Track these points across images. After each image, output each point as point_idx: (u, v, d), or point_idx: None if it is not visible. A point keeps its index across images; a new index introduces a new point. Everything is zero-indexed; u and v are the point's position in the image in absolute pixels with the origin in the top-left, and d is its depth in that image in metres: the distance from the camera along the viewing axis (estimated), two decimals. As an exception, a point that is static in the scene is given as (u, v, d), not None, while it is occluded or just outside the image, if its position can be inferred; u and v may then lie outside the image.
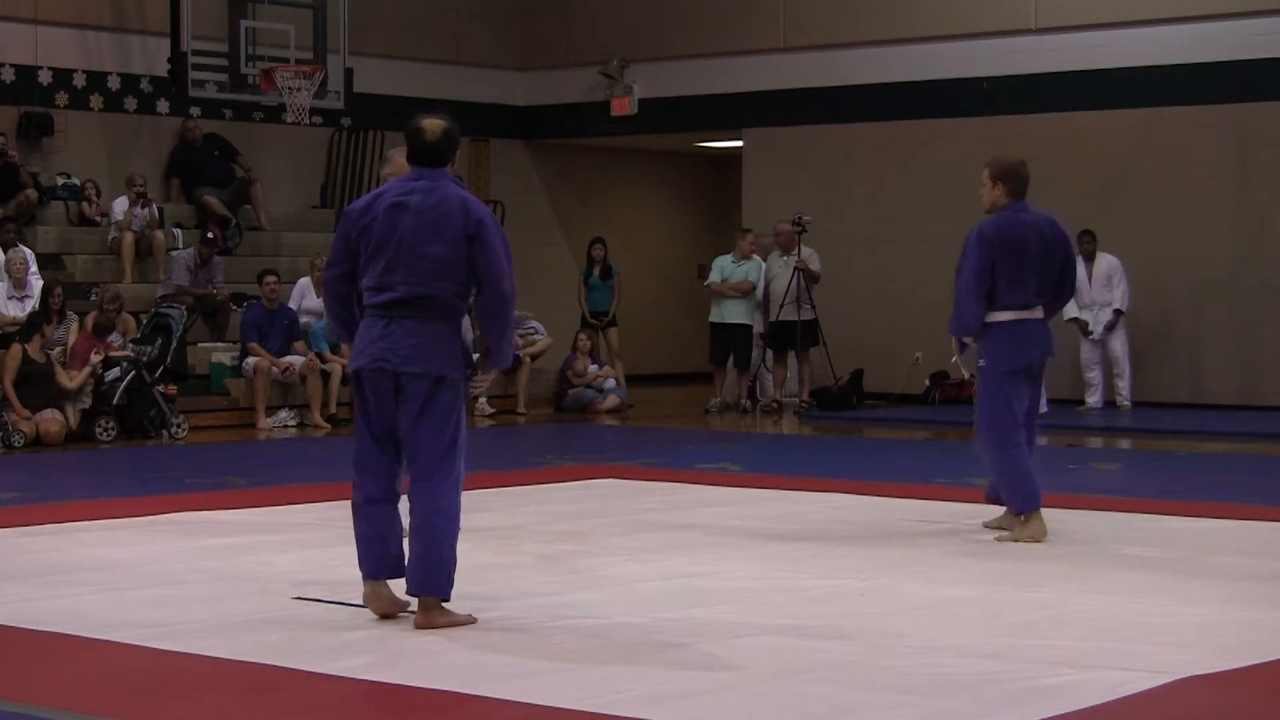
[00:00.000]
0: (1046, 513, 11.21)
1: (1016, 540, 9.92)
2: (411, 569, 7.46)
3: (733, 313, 20.47)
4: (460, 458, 7.51)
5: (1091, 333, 19.51)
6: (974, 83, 21.11)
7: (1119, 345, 19.58)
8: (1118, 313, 19.45)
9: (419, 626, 7.39)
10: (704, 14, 23.02)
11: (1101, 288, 19.47)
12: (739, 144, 23.27)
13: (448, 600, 7.46)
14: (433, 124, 7.58)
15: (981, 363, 10.20)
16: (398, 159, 8.62)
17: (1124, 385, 19.60)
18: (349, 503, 11.62)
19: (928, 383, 20.89)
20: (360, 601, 7.81)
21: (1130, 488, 13.31)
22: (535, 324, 20.89)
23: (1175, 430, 17.74)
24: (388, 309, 7.44)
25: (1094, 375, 19.62)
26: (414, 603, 7.50)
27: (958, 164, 21.11)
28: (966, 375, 10.22)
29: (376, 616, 7.58)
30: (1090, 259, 19.43)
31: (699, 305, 22.63)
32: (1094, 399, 19.58)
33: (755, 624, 7.50)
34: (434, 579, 7.41)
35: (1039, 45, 20.67)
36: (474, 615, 7.55)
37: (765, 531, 10.30)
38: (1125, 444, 17.08)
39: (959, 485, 12.85)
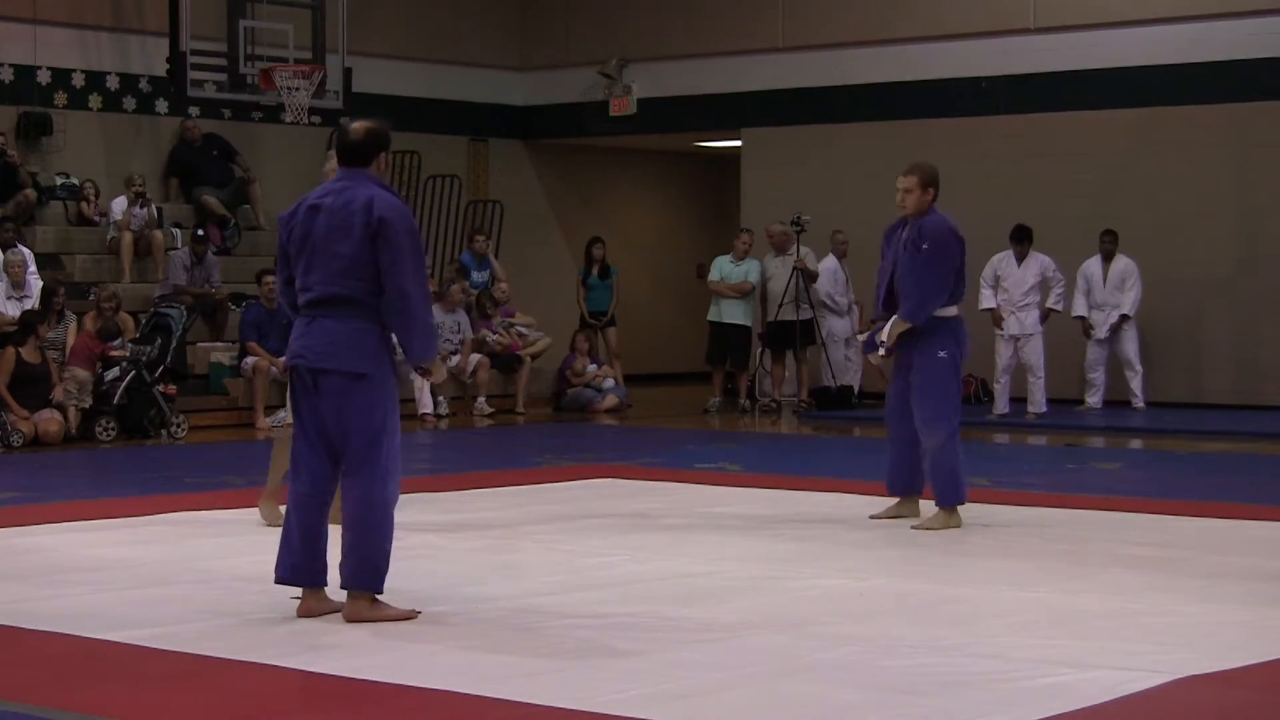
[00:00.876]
0: (1044, 512, 11.28)
1: (934, 529, 10.29)
2: (343, 561, 7.50)
3: (731, 313, 20.47)
4: (388, 451, 7.53)
5: (1093, 330, 19.45)
6: (973, 82, 21.11)
7: (1130, 347, 19.47)
8: (1124, 317, 19.39)
9: (347, 619, 7.45)
10: (703, 14, 23.02)
11: (1115, 289, 19.39)
12: (738, 144, 23.26)
13: (379, 593, 7.51)
14: (356, 125, 7.73)
15: (943, 354, 10.43)
16: (334, 159, 8.93)
17: (1136, 386, 19.48)
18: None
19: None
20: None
21: (1130, 487, 13.31)
22: (522, 326, 20.85)
23: (1175, 430, 17.73)
24: (309, 308, 7.64)
25: (1097, 376, 19.57)
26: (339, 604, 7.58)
27: (956, 164, 21.10)
28: (882, 351, 10.42)
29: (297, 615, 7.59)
30: (1108, 259, 19.39)
31: (698, 305, 22.62)
32: (1094, 399, 19.54)
33: (755, 624, 7.49)
34: (364, 572, 7.48)
35: (1037, 45, 20.67)
36: (416, 610, 7.59)
37: (764, 531, 10.30)
38: (1125, 443, 17.07)
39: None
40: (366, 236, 7.46)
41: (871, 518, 10.71)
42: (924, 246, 10.41)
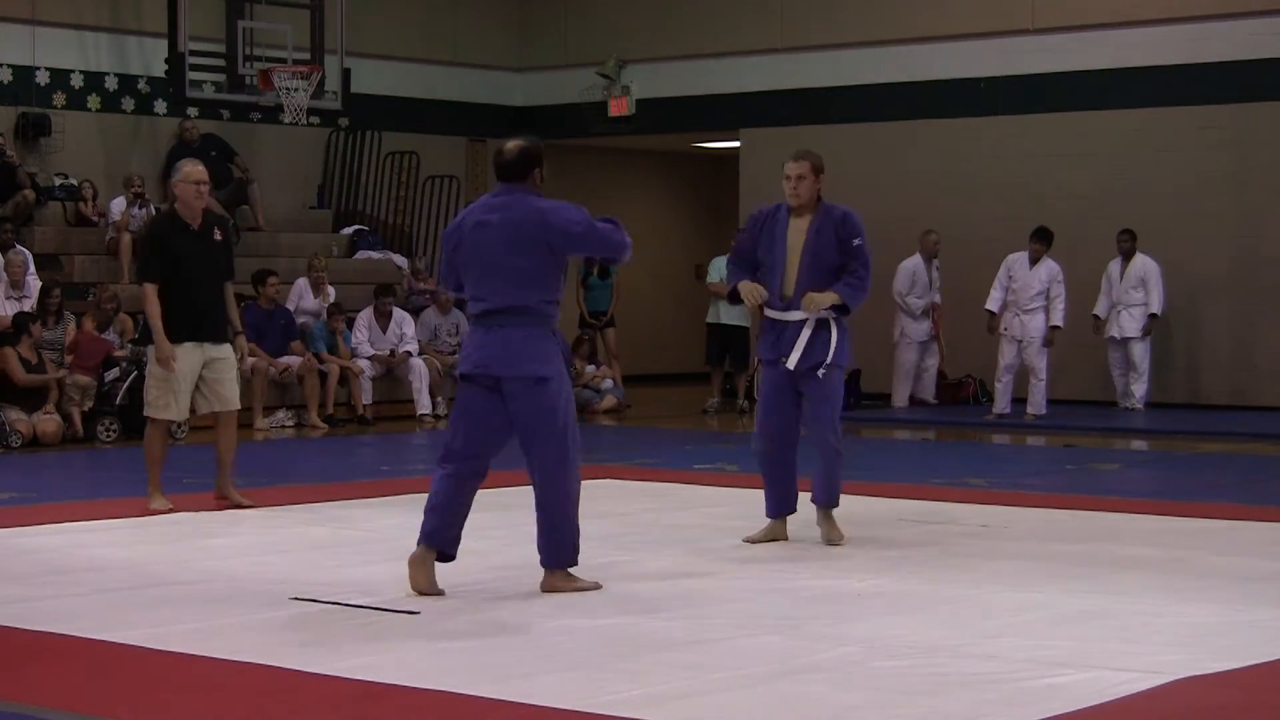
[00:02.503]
0: (1043, 513, 11.27)
1: (838, 542, 9.80)
2: (542, 544, 8.31)
3: (730, 313, 20.45)
4: (572, 444, 8.22)
5: (1108, 329, 19.37)
6: (971, 83, 21.13)
7: (1139, 349, 19.43)
8: (1153, 316, 19.32)
9: (545, 590, 8.24)
10: (701, 14, 23.03)
11: (1131, 288, 19.32)
12: (736, 144, 23.27)
13: (574, 566, 8.32)
14: (510, 144, 8.41)
15: (844, 360, 9.82)
16: (185, 167, 11.18)
17: (1139, 389, 19.46)
18: (349, 502, 11.65)
19: (925, 383, 20.92)
20: (357, 601, 7.83)
21: (1129, 488, 13.31)
22: None
23: (1174, 430, 17.74)
24: (485, 318, 8.22)
25: (1122, 376, 19.54)
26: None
27: (955, 164, 21.18)
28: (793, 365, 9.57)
29: (413, 590, 8.13)
30: (1128, 258, 19.35)
31: (696, 305, 22.62)
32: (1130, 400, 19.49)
33: (755, 624, 7.50)
34: (562, 551, 8.28)
35: (1036, 45, 20.67)
36: (599, 582, 8.36)
37: (764, 531, 10.30)
38: (1124, 444, 17.07)
39: (957, 485, 12.87)
40: (547, 251, 8.17)
41: (747, 540, 9.87)
42: (856, 242, 9.93)
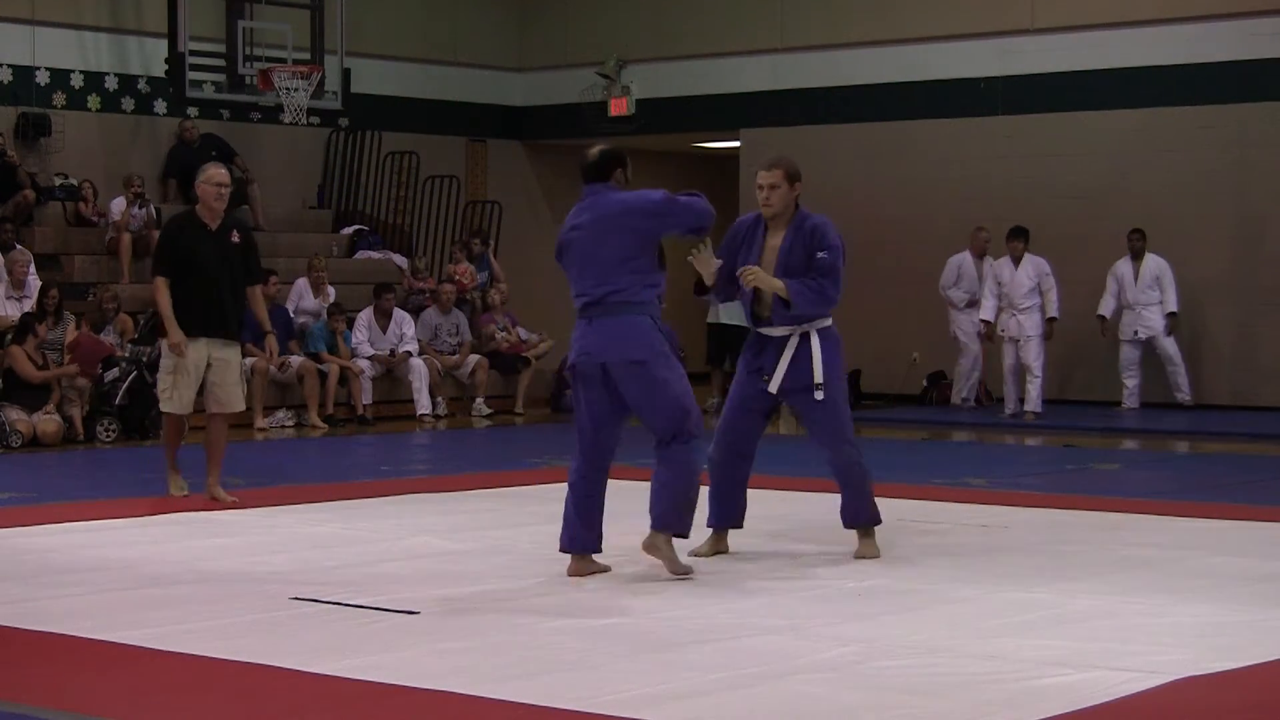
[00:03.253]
0: (1043, 513, 11.25)
1: (871, 556, 9.35)
2: (662, 508, 8.64)
3: (729, 314, 20.41)
4: (694, 418, 8.64)
5: (1121, 331, 19.35)
6: (972, 83, 21.12)
7: (1170, 346, 19.42)
8: (1172, 315, 19.28)
9: (645, 549, 8.66)
10: (701, 14, 23.03)
11: (1147, 288, 19.31)
12: (736, 144, 23.27)
13: (686, 536, 8.74)
14: (592, 149, 8.92)
15: (837, 376, 9.37)
16: (209, 169, 11.67)
17: (1184, 382, 19.40)
18: (347, 503, 11.66)
19: (925, 383, 20.92)
20: (357, 601, 7.84)
21: (1128, 488, 13.31)
22: (524, 331, 20.84)
23: (1174, 430, 17.74)
24: (585, 311, 8.73)
25: (1131, 377, 19.47)
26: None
27: (955, 165, 21.18)
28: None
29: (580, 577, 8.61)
30: (1138, 258, 19.34)
31: (696, 306, 22.57)
32: (1131, 400, 19.45)
33: (754, 624, 7.50)
34: (673, 514, 8.63)
35: (1037, 45, 20.67)
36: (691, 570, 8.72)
37: (763, 531, 10.27)
38: (1123, 444, 17.07)
39: (956, 485, 12.87)
40: (631, 234, 8.69)
41: (693, 554, 9.24)
42: (821, 255, 9.21)
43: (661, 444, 8.66)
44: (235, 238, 11.65)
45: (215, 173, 11.60)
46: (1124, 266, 19.39)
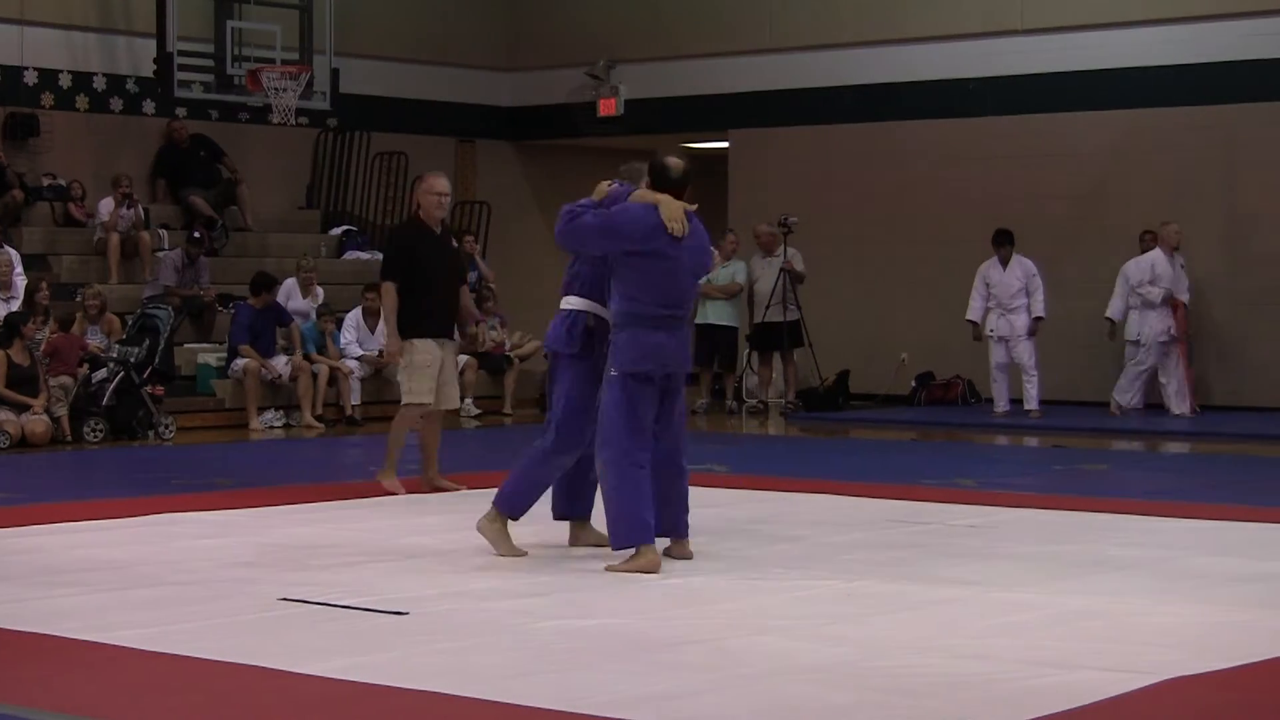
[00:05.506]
0: (1034, 513, 11.26)
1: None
2: (680, 519, 9.16)
3: (718, 314, 20.42)
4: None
5: (1123, 326, 19.29)
6: (961, 84, 21.13)
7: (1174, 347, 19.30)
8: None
9: (676, 556, 9.11)
10: (690, 15, 23.03)
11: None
12: (725, 145, 23.27)
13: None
14: (675, 161, 9.54)
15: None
16: (429, 179, 12.07)
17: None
18: (336, 503, 11.65)
19: (914, 383, 20.92)
20: (347, 602, 7.83)
21: (1121, 488, 13.32)
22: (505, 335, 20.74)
23: (1168, 431, 17.75)
24: (661, 323, 9.01)
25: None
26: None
27: (944, 165, 21.19)
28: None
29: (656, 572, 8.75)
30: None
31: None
32: (1136, 400, 19.30)
33: (746, 625, 7.49)
34: (685, 520, 9.22)
35: (1026, 46, 20.68)
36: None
37: (752, 532, 10.29)
38: (1115, 445, 17.08)
39: (945, 485, 12.87)
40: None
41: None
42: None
43: (677, 451, 9.19)
44: (453, 242, 12.38)
45: (435, 182, 12.06)
46: (1133, 267, 19.23)
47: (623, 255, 8.96)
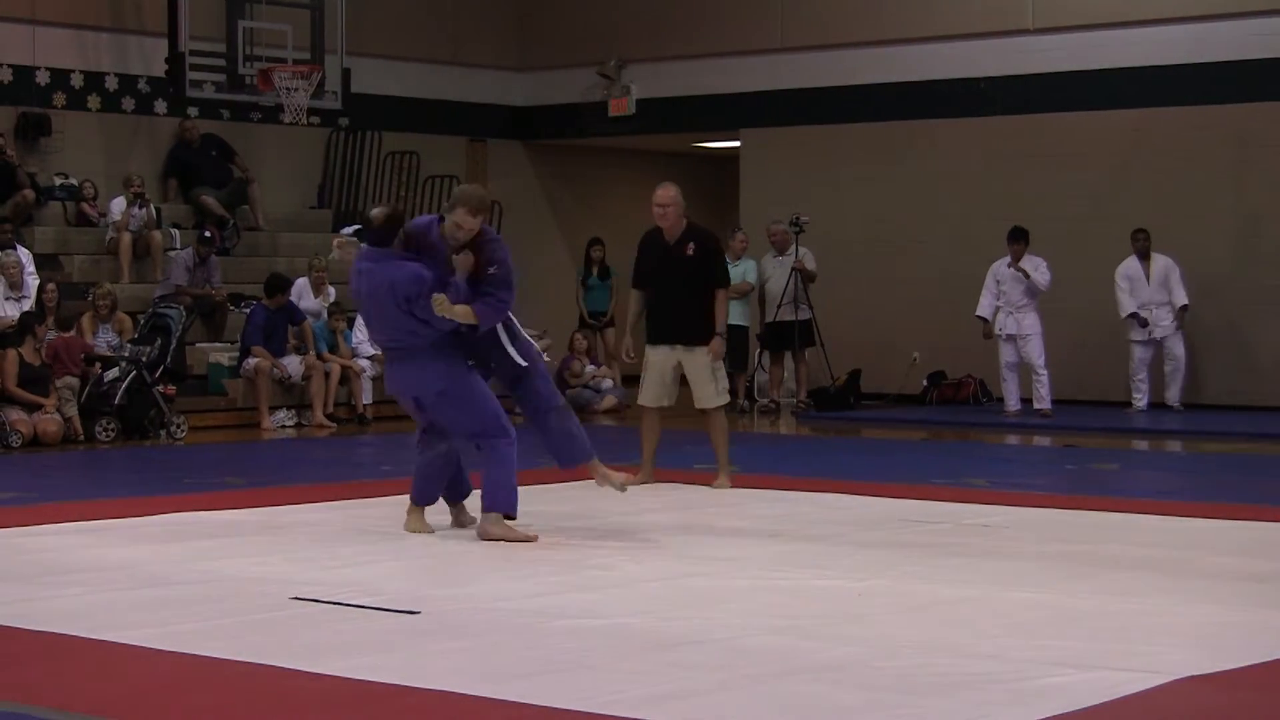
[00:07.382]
0: (1043, 513, 11.26)
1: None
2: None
3: (728, 313, 20.35)
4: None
5: (1150, 329, 19.25)
6: (971, 83, 21.12)
7: (1179, 344, 19.40)
8: (1184, 308, 19.15)
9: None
10: (701, 14, 23.02)
11: (1160, 286, 19.20)
12: (736, 144, 23.27)
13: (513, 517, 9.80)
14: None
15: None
16: (657, 190, 12.36)
17: (1176, 387, 19.39)
18: (347, 503, 11.66)
19: (925, 383, 20.91)
20: (357, 601, 7.84)
21: (1128, 488, 13.31)
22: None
23: (1172, 430, 17.74)
24: None
25: (1144, 378, 19.35)
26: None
27: (955, 165, 21.19)
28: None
29: None
30: (1145, 257, 19.24)
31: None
32: (1142, 402, 19.36)
33: (754, 624, 7.50)
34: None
35: (1036, 45, 20.67)
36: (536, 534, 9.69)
37: (763, 531, 10.30)
38: (1123, 444, 17.06)
39: (956, 485, 12.87)
40: None
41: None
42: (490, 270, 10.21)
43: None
44: (690, 250, 12.35)
45: (658, 193, 12.39)
46: (1133, 268, 19.24)
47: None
